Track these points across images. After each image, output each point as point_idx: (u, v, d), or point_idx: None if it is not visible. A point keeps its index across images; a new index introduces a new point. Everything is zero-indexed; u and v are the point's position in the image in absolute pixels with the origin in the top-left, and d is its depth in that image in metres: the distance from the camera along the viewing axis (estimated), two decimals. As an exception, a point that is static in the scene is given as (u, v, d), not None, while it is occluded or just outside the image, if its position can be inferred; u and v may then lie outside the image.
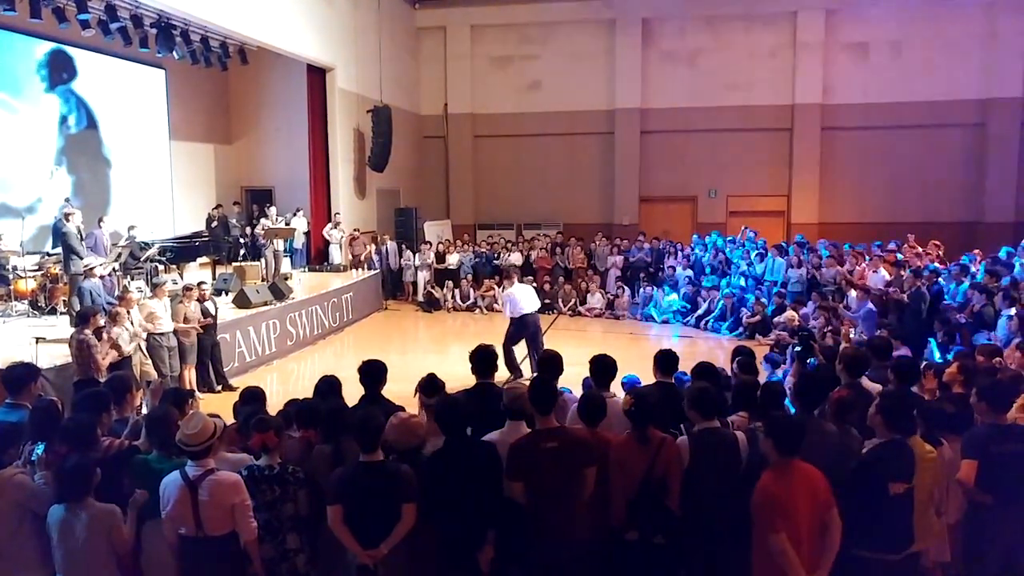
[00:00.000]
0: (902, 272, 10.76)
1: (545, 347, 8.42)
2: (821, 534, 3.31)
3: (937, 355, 8.12)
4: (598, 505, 3.75)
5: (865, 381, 4.69)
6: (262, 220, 15.47)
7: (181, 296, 8.79)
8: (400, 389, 4.77)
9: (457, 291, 15.83)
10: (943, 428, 4.14)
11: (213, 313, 9.07)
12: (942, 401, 4.65)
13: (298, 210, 16.36)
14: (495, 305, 15.30)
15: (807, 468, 3.35)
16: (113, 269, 10.37)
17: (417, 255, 16.35)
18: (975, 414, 4.17)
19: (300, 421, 4.23)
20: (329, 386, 4.66)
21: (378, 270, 15.92)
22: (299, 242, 16.18)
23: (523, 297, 9.47)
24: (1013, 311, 7.90)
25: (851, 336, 8.66)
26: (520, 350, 9.65)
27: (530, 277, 15.95)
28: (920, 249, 13.58)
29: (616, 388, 4.78)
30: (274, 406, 5.02)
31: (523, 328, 9.48)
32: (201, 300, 8.96)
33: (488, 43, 19.78)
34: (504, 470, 3.68)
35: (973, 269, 11.00)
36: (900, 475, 3.51)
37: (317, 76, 15.79)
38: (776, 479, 3.25)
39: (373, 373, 4.51)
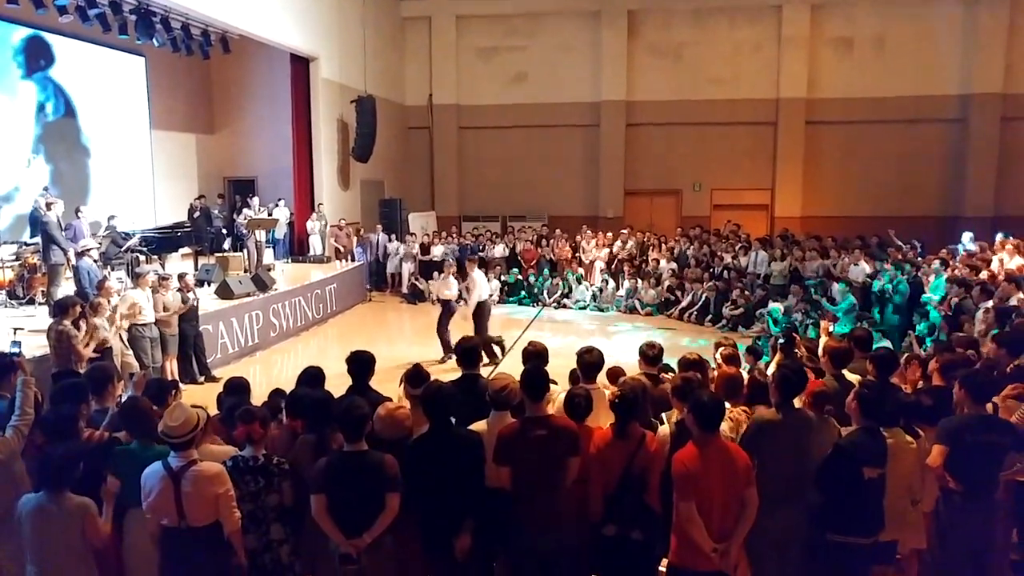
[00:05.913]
0: (885, 266, 10.90)
1: (531, 339, 8.52)
2: (738, 508, 3.45)
3: (916, 347, 8.23)
4: (581, 497, 3.77)
5: (847, 373, 4.75)
6: (245, 211, 15.32)
7: (158, 286, 8.68)
8: (385, 380, 4.76)
9: (442, 283, 15.76)
10: (920, 420, 4.20)
11: (194, 303, 8.99)
12: (921, 393, 4.72)
13: (280, 200, 16.23)
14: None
15: (728, 446, 3.51)
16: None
17: (402, 246, 16.27)
18: (955, 403, 4.24)
19: (289, 411, 4.21)
20: (312, 377, 4.64)
21: (362, 261, 15.83)
22: (281, 233, 16.04)
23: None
24: (989, 304, 8.02)
25: (830, 329, 8.71)
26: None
27: (516, 269, 15.98)
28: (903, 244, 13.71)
29: (602, 378, 4.78)
30: (258, 397, 4.99)
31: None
32: (185, 290, 8.88)
33: (474, 34, 19.69)
34: (492, 456, 3.68)
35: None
36: (874, 460, 3.63)
37: (300, 66, 15.65)
38: (693, 453, 3.42)
39: (361, 364, 4.49)
